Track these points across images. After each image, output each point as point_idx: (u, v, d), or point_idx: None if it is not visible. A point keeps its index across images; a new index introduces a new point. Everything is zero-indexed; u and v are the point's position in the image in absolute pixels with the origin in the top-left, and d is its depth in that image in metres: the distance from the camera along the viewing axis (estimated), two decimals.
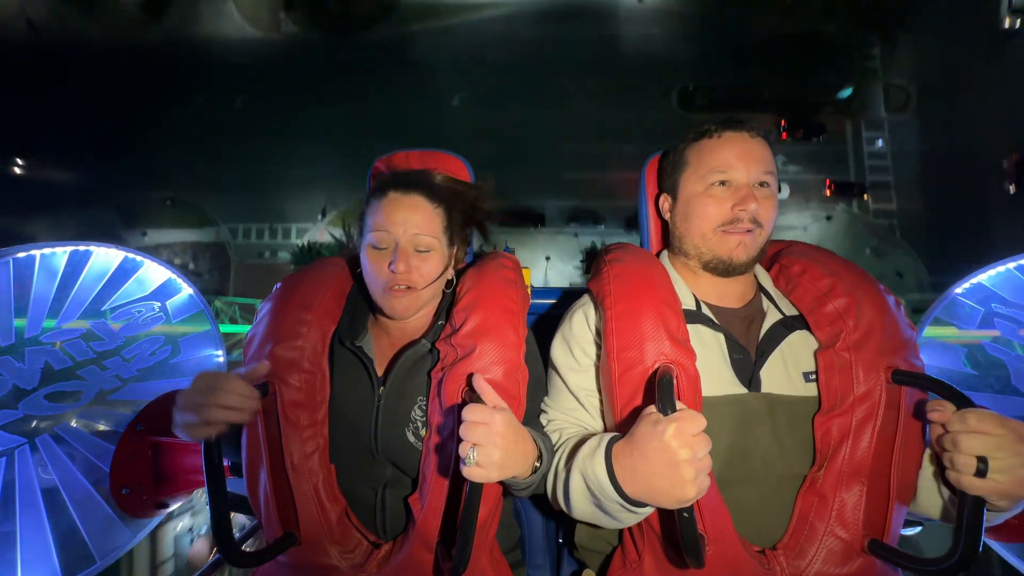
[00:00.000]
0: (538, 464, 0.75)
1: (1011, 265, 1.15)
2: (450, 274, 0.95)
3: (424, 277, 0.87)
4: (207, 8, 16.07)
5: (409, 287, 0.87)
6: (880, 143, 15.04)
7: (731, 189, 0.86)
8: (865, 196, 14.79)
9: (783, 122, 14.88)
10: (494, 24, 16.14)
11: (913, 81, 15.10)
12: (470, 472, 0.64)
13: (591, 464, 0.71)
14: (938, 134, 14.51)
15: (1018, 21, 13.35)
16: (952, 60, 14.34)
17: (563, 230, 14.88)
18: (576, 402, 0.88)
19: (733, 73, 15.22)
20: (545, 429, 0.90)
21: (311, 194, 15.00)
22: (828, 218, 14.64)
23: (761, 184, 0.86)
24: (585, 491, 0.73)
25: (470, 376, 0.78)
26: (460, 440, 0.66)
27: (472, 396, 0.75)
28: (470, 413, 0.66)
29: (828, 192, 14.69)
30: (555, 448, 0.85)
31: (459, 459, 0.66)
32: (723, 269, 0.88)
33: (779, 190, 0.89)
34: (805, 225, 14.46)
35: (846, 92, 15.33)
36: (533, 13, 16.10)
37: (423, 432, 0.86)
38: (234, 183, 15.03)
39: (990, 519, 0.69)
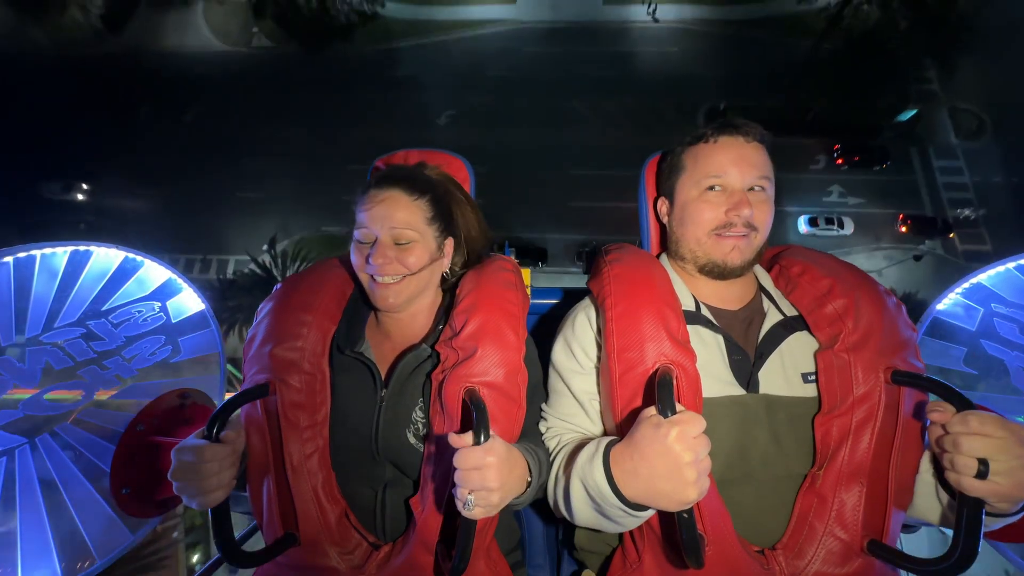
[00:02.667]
0: (530, 479, 0.76)
1: (1011, 265, 1.14)
2: (445, 265, 0.95)
3: (408, 267, 0.88)
4: (173, 22, 14.85)
5: (395, 277, 0.88)
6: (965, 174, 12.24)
7: (725, 194, 0.86)
8: (951, 234, 12.00)
9: (836, 147, 12.57)
10: (493, 41, 14.68)
11: (986, 106, 12.89)
12: (471, 516, 0.64)
13: (590, 470, 0.71)
14: None
15: None
16: None
17: (569, 269, 12.07)
18: (577, 407, 0.88)
19: (770, 93, 13.07)
20: (544, 436, 0.90)
21: (259, 220, 12.59)
22: (917, 258, 11.82)
23: (756, 188, 0.86)
24: (585, 497, 0.72)
25: (468, 389, 0.78)
26: (455, 484, 0.65)
27: (472, 398, 0.74)
28: (462, 460, 0.65)
29: (903, 229, 11.96)
30: (553, 454, 0.85)
31: (460, 456, 0.65)
32: (718, 272, 0.88)
33: (774, 193, 0.89)
34: (880, 269, 11.73)
35: (908, 114, 12.89)
36: (535, 31, 14.69)
37: (424, 433, 0.86)
38: (167, 206, 12.91)
39: (989, 523, 0.69)
